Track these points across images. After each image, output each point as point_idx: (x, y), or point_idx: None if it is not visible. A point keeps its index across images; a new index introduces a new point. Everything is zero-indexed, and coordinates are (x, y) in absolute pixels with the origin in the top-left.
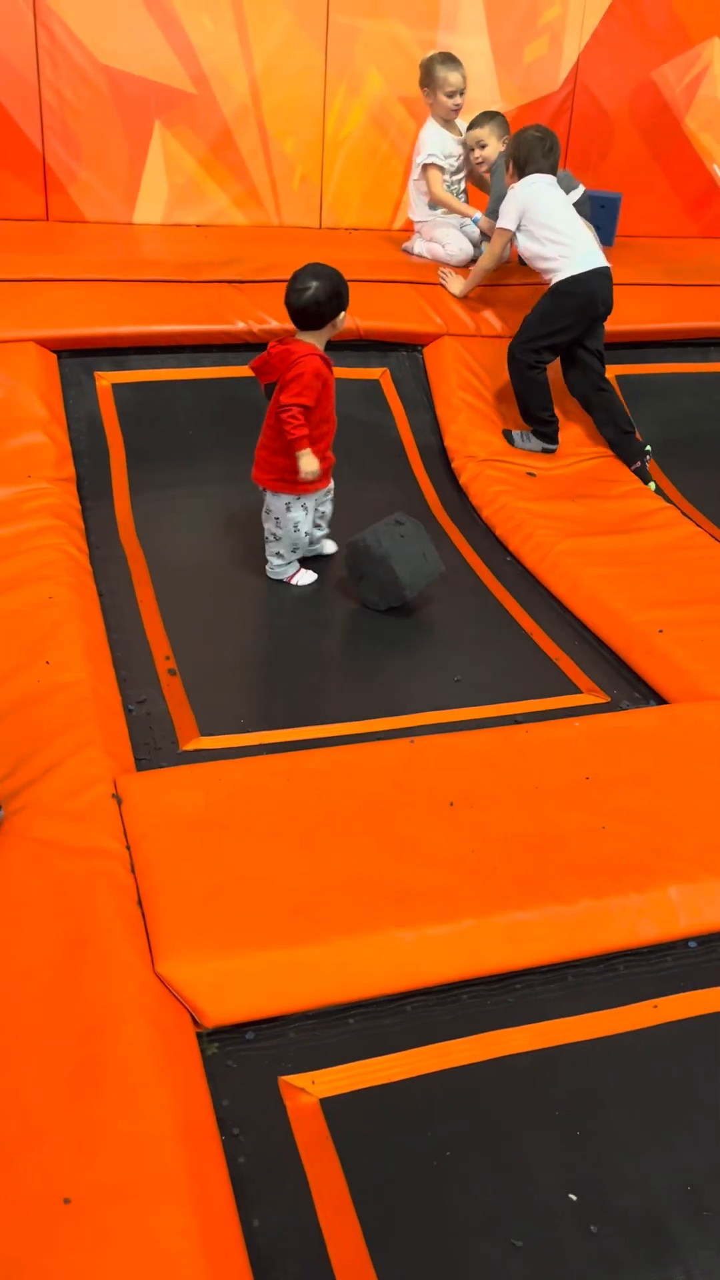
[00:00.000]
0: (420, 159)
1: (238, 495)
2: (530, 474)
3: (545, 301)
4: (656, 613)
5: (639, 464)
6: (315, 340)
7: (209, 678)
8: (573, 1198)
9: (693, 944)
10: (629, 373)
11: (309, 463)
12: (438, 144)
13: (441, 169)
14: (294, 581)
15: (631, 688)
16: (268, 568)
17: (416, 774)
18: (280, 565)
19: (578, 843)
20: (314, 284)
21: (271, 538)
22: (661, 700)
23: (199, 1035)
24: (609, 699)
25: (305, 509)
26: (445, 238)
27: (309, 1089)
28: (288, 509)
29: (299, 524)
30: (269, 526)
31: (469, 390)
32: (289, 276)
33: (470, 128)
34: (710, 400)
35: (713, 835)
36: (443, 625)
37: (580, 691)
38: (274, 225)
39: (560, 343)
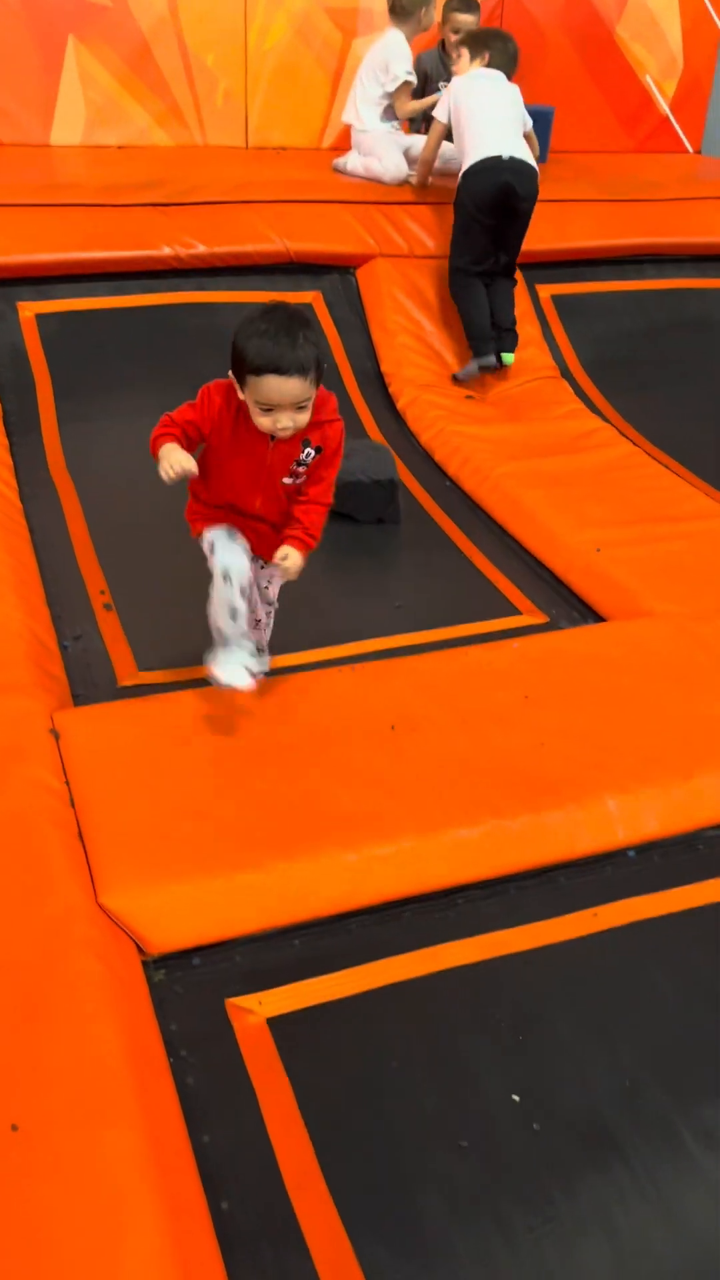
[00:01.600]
0: (397, 73)
1: None
2: (469, 397)
3: (455, 198)
4: (594, 532)
5: (499, 355)
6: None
7: (145, 612)
8: (515, 1099)
9: (631, 853)
10: (564, 292)
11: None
12: (410, 60)
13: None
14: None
15: (570, 607)
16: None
17: (357, 700)
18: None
19: (517, 761)
20: None
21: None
22: (599, 618)
23: (145, 963)
24: (548, 619)
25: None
26: (385, 154)
27: (256, 1009)
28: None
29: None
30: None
31: (404, 313)
32: (215, 199)
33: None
34: (647, 319)
35: (648, 747)
36: (383, 552)
37: (520, 613)
38: (199, 145)
39: (480, 242)
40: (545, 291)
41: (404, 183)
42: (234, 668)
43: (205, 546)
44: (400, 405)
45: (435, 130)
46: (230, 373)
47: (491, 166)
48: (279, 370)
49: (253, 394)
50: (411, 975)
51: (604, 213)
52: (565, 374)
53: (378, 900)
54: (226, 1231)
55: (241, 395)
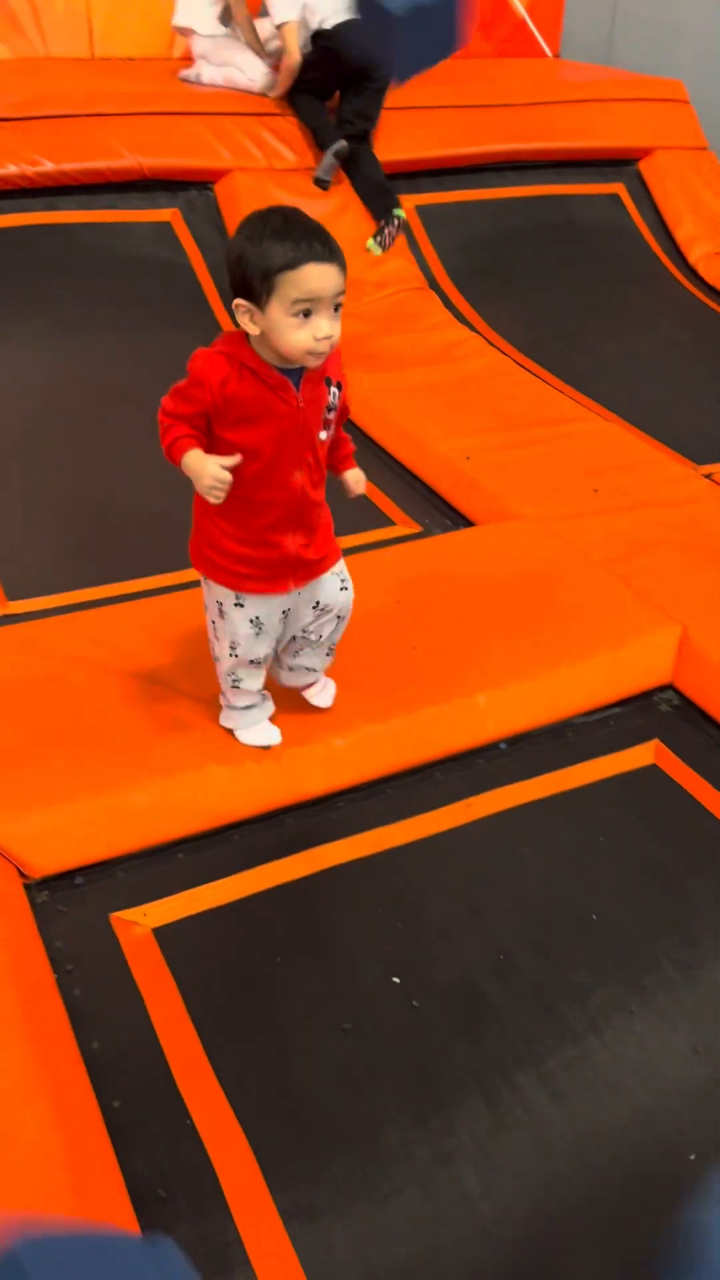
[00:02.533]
0: None
1: (34, 355)
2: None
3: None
4: (463, 441)
5: (383, 223)
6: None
7: (12, 541)
8: (396, 980)
9: (503, 745)
10: (428, 202)
11: (193, 468)
12: None
13: None
14: (251, 741)
15: (443, 515)
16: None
17: None
18: (232, 703)
19: (391, 666)
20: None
21: (213, 639)
22: (469, 524)
23: (27, 886)
24: (421, 528)
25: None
26: (244, 62)
27: (141, 921)
28: (220, 610)
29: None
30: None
31: None
32: (62, 113)
33: None
34: (510, 226)
35: (516, 643)
36: None
37: (394, 524)
38: (40, 57)
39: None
40: (409, 201)
41: (270, 90)
42: (262, 729)
43: (227, 606)
44: None
45: (289, 33)
46: (238, 302)
47: (347, 25)
48: (316, 256)
49: (290, 293)
50: (294, 876)
51: (464, 120)
52: (432, 285)
53: (258, 811)
54: (120, 1126)
55: (254, 323)
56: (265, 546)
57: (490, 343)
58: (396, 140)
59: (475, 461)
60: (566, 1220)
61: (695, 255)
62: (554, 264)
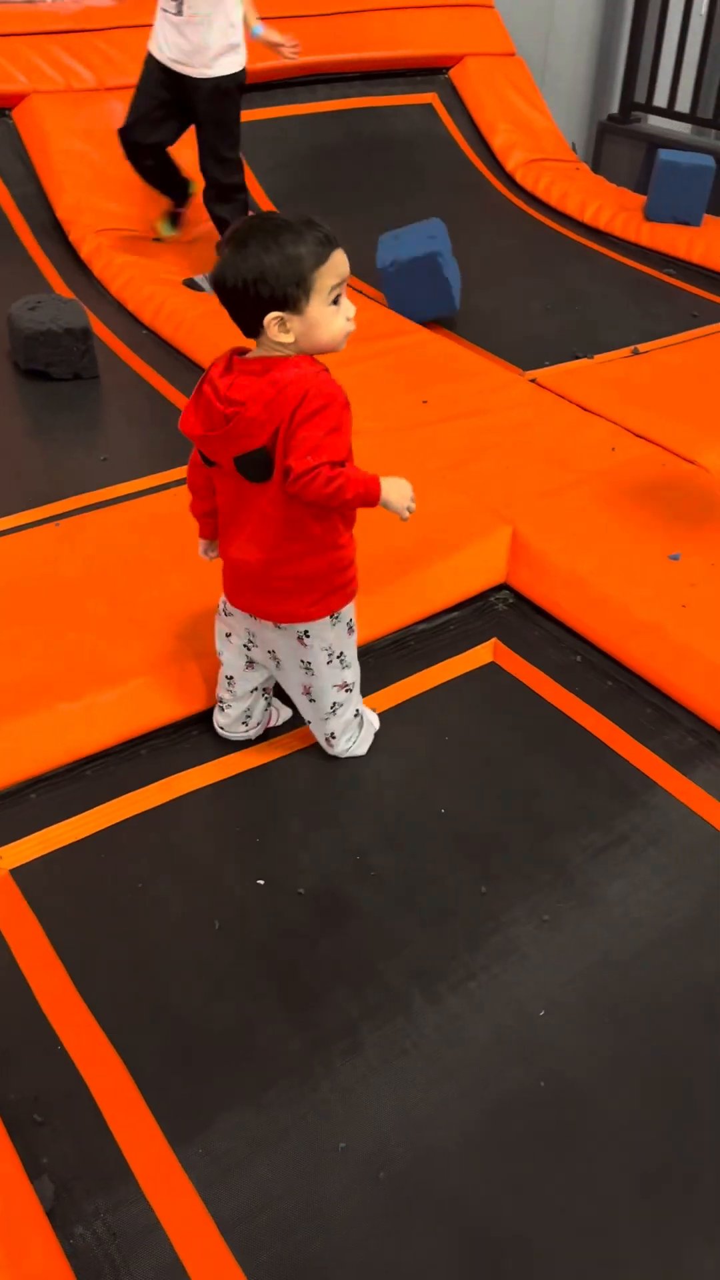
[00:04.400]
0: None
1: None
2: (156, 239)
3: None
4: None
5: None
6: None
7: None
8: (260, 883)
9: None
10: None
11: (396, 491)
12: None
13: None
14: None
15: None
16: (338, 744)
17: (66, 555)
18: (359, 729)
19: None
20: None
21: (343, 688)
22: None
23: None
24: None
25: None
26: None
27: None
28: (351, 629)
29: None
30: (333, 675)
31: (73, 155)
32: None
33: None
34: (325, 141)
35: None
36: (84, 407)
37: None
38: None
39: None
40: None
41: None
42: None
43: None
44: (84, 254)
45: None
46: (273, 316)
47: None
48: (334, 242)
49: (328, 282)
50: (152, 805)
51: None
52: (250, 205)
53: (111, 743)
54: None
55: (288, 330)
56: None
57: None
58: None
59: None
60: (433, 1093)
61: (512, 164)
62: (373, 177)
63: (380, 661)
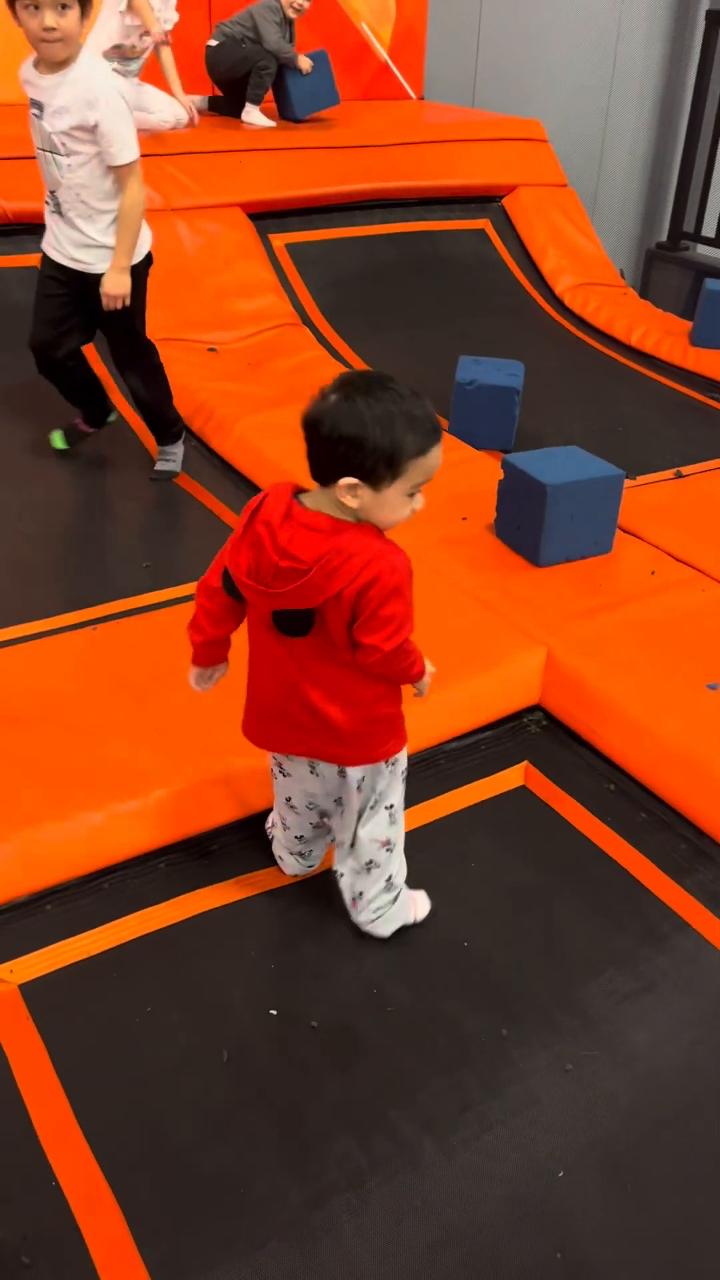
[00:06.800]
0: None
1: None
2: (211, 349)
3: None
4: None
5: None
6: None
7: None
8: (273, 1013)
9: None
10: (297, 240)
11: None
12: None
13: None
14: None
15: None
16: (377, 920)
17: (99, 660)
18: (391, 903)
19: None
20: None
21: (388, 846)
22: None
23: None
24: None
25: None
26: (152, 103)
27: (7, 978)
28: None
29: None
30: (385, 832)
31: None
32: None
33: None
34: (379, 261)
35: None
36: (129, 517)
37: None
38: None
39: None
40: (279, 240)
41: (187, 124)
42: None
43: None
44: None
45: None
46: (349, 481)
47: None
48: (439, 437)
49: (416, 477)
50: (167, 923)
51: (332, 160)
52: (305, 321)
53: (129, 855)
54: None
55: (357, 497)
56: None
57: None
58: (265, 181)
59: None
60: (441, 1258)
61: (561, 287)
62: (424, 297)
63: (410, 781)
